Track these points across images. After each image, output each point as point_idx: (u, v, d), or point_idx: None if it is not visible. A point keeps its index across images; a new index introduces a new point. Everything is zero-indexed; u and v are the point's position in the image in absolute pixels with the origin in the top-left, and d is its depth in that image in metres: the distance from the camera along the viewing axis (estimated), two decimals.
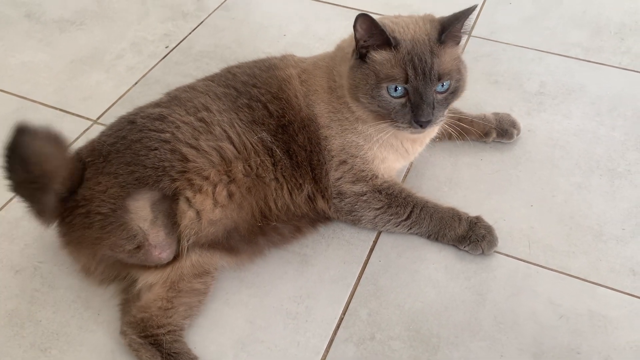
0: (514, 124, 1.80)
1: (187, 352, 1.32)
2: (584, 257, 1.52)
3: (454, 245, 1.54)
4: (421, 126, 1.36)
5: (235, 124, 1.43)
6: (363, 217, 1.54)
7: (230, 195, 1.39)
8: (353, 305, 1.44)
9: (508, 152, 1.80)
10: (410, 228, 1.55)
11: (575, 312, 1.41)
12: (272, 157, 1.45)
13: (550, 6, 2.36)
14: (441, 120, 1.43)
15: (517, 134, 1.81)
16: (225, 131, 1.42)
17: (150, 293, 1.36)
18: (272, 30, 2.28)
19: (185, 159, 1.36)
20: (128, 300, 1.39)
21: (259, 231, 1.45)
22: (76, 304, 1.44)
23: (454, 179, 1.71)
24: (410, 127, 1.38)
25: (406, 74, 1.32)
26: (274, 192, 1.45)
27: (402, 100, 1.36)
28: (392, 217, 1.54)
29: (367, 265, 1.52)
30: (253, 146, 1.43)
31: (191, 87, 1.53)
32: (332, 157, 1.50)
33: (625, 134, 1.84)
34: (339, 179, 1.51)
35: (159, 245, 1.32)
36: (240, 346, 1.37)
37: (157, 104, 1.49)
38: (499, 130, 1.79)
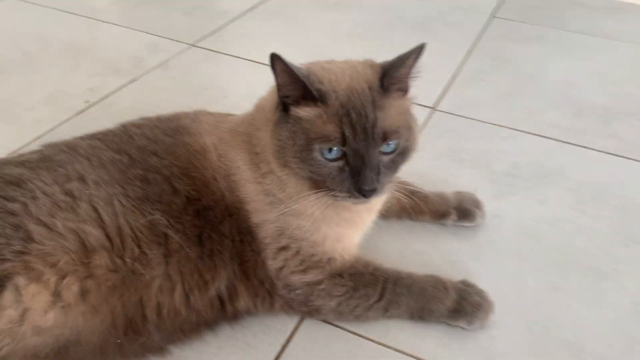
0: (477, 204, 1.50)
1: None
2: None
3: (445, 322, 1.24)
4: (364, 196, 1.06)
5: (116, 202, 1.10)
6: (322, 307, 1.21)
7: (83, 293, 1.03)
8: None
9: (468, 239, 1.47)
10: (386, 310, 1.22)
11: None
12: (163, 246, 1.11)
13: (526, 85, 2.14)
14: (389, 188, 1.13)
15: (481, 218, 1.50)
16: (95, 210, 1.09)
17: None
18: (213, 91, 2.03)
19: (29, 237, 1.03)
20: None
21: (116, 350, 1.08)
22: None
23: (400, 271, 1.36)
24: (350, 197, 1.07)
25: (342, 134, 1.03)
26: (156, 294, 1.10)
27: (339, 163, 1.06)
28: (360, 301, 1.21)
29: None
30: (134, 232, 1.09)
31: (72, 147, 1.21)
32: (267, 244, 1.18)
33: (611, 226, 1.51)
34: (280, 268, 1.18)
35: None
36: None
37: (21, 162, 1.17)
38: (459, 211, 1.48)
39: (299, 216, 1.16)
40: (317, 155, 1.05)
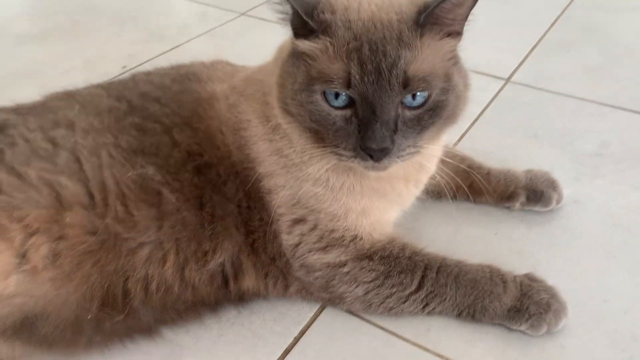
0: (553, 185, 1.22)
1: None
2: None
3: (502, 324, 0.99)
4: (371, 157, 0.82)
5: (103, 152, 0.94)
6: (347, 295, 0.99)
7: (53, 256, 0.88)
8: None
9: (539, 227, 1.20)
10: (427, 304, 0.99)
11: None
12: (156, 207, 0.93)
13: (621, 58, 1.81)
14: (411, 154, 0.86)
15: (558, 202, 1.22)
16: (77, 160, 0.93)
17: None
18: (257, 58, 1.83)
19: None
20: None
21: (93, 327, 0.92)
22: None
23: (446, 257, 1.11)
24: (356, 158, 0.84)
25: (348, 73, 0.80)
26: (144, 265, 0.93)
27: (346, 112, 0.83)
28: (394, 290, 0.98)
29: None
30: (120, 188, 0.92)
31: (71, 95, 1.09)
32: (281, 215, 0.98)
33: None
34: (296, 245, 0.98)
35: None
36: None
37: (15, 109, 1.06)
38: (530, 192, 1.21)
39: (314, 182, 0.95)
40: (318, 99, 0.83)
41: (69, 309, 0.88)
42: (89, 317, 0.88)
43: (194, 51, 1.92)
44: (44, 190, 0.89)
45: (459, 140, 1.44)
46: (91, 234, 0.89)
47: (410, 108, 0.83)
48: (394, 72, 0.79)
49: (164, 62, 1.84)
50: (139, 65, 1.83)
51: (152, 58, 1.87)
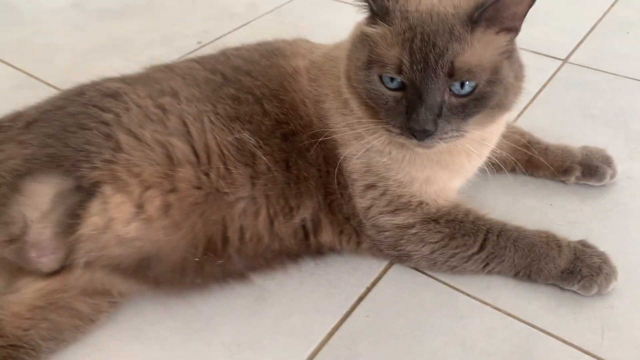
0: (607, 161, 1.29)
1: None
2: None
3: (554, 284, 1.09)
4: (415, 136, 0.92)
5: (205, 118, 1.07)
6: (414, 254, 1.11)
7: (165, 207, 1.01)
8: None
9: (593, 200, 1.28)
10: (487, 264, 1.10)
11: None
12: (251, 167, 1.06)
13: None
14: (453, 137, 0.96)
15: (612, 177, 1.29)
16: (185, 124, 1.07)
17: (13, 295, 1.00)
18: (321, 37, 1.94)
19: (118, 147, 1.03)
20: None
21: (196, 270, 1.06)
22: None
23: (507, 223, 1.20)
24: (402, 135, 0.95)
25: (400, 60, 0.90)
26: (240, 217, 1.06)
27: (398, 94, 0.93)
28: (457, 251, 1.09)
29: (348, 319, 1.06)
30: (221, 149, 1.06)
31: (169, 68, 1.22)
32: (355, 180, 1.10)
33: None
34: (368, 208, 1.10)
35: (39, 246, 0.97)
36: None
37: (122, 79, 1.20)
38: (585, 167, 1.29)
39: (380, 153, 1.06)
40: (375, 79, 0.94)
41: (178, 254, 1.02)
42: (195, 260, 1.03)
43: (263, 29, 2.03)
44: (157, 150, 1.03)
45: (517, 117, 1.51)
46: (197, 188, 1.03)
47: (457, 96, 0.92)
48: (440, 62, 0.88)
49: (235, 38, 1.98)
50: (213, 41, 1.95)
51: (224, 35, 1.99)
